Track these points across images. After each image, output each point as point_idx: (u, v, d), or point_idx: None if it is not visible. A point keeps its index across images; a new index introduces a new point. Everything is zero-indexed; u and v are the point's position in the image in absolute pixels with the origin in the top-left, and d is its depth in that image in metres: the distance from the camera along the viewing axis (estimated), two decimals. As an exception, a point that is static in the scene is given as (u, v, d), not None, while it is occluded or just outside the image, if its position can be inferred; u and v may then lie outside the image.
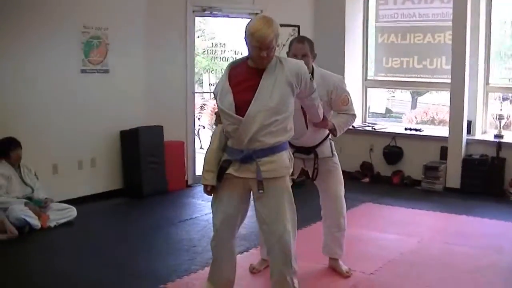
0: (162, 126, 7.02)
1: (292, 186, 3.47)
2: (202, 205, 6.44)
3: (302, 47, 4.05)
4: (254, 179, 3.35)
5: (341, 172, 4.42)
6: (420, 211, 6.25)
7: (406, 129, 7.73)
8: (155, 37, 7.04)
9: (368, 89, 8.28)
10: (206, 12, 7.34)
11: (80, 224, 5.74)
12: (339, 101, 4.18)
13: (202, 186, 3.51)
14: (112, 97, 6.74)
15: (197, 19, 7.73)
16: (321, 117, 3.87)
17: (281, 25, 7.26)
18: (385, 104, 8.44)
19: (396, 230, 5.53)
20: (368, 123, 8.20)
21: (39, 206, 5.63)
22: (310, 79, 3.50)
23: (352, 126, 7.89)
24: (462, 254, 4.81)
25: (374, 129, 7.86)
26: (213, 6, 7.37)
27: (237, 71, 3.46)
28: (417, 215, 6.12)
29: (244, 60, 3.47)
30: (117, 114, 6.80)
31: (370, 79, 8.22)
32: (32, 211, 5.51)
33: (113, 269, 4.52)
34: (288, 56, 4.01)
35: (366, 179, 7.74)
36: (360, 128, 7.91)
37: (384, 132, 7.76)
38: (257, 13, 7.68)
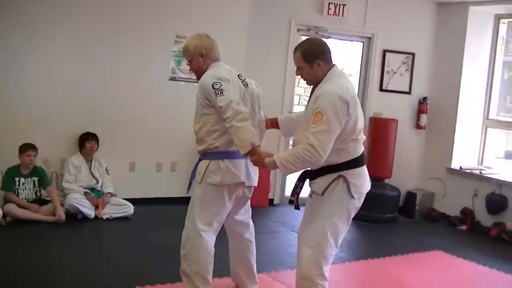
0: (247, 141, 7.04)
1: None
2: (261, 223, 6.34)
3: (294, 58, 3.43)
4: None
5: (325, 228, 3.32)
6: (490, 270, 5.38)
7: (518, 177, 6.82)
8: (256, 53, 7.08)
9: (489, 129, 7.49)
10: (310, 31, 7.20)
11: (134, 222, 6.02)
12: (312, 117, 3.19)
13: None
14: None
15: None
16: (243, 148, 3.42)
17: (394, 52, 7.22)
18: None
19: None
20: (485, 166, 7.41)
21: (98, 197, 6.05)
22: (216, 93, 3.50)
23: (459, 167, 7.25)
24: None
25: (481, 173, 7.07)
26: (319, 26, 7.21)
27: None
28: (485, 275, 5.28)
29: None
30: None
31: (491, 119, 7.43)
32: (90, 201, 5.93)
33: (116, 272, 4.60)
34: None
35: (464, 227, 6.98)
36: (468, 170, 7.17)
37: (490, 177, 6.92)
38: (368, 37, 7.42)
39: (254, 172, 3.85)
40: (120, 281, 4.29)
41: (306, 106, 3.51)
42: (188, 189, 3.91)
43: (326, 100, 3.17)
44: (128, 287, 4.15)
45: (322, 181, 3.37)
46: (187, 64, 3.94)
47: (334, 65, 3.44)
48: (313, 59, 3.36)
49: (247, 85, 3.76)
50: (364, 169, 3.47)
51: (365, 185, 3.45)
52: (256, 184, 3.91)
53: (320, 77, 3.39)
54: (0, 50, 5.84)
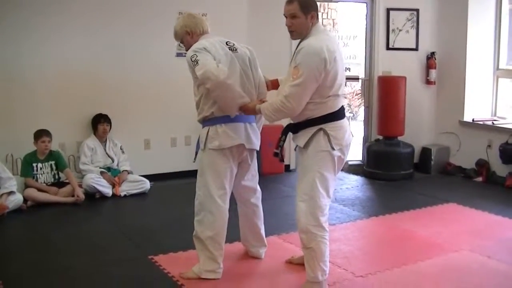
0: (259, 110, 7.12)
1: None
2: (275, 189, 6.49)
3: (289, 8, 3.52)
4: None
5: (315, 180, 3.49)
6: (503, 219, 5.36)
7: (532, 125, 6.77)
8: (258, 24, 7.15)
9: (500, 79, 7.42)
10: (312, -4, 7.20)
11: (150, 197, 6.22)
12: (292, 70, 3.42)
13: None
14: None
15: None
16: (231, 112, 3.75)
17: (398, 10, 7.18)
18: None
19: (463, 239, 4.80)
20: (498, 116, 7.37)
21: (114, 176, 6.24)
22: (194, 64, 3.63)
23: (472, 119, 7.23)
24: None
25: (493, 123, 7.04)
26: (321, -10, 7.23)
27: None
28: (498, 224, 5.27)
29: None
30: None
31: (502, 69, 7.36)
32: (107, 180, 6.12)
33: (131, 244, 4.78)
34: None
35: (479, 178, 6.99)
36: (480, 122, 7.15)
37: (502, 127, 6.87)
38: (372, -3, 7.39)
39: (255, 135, 3.98)
40: (134, 253, 4.48)
41: (291, 61, 3.62)
42: (195, 159, 4.05)
43: (305, 56, 3.38)
44: (142, 257, 4.33)
45: (303, 135, 3.56)
46: (179, 46, 4.18)
47: (317, 22, 3.60)
48: (309, 10, 3.52)
49: (235, 50, 3.86)
50: (344, 122, 3.62)
51: (345, 137, 3.59)
52: (257, 148, 4.04)
53: (307, 32, 3.55)
54: (12, 40, 6.03)
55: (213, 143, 3.80)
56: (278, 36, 7.14)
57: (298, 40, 3.62)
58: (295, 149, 3.79)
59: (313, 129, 3.51)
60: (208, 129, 3.83)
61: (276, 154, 3.72)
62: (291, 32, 3.59)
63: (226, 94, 3.65)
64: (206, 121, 3.86)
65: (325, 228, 3.55)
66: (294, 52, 3.56)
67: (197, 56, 3.63)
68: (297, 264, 4.12)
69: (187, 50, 3.94)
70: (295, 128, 3.65)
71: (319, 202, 3.51)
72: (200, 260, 3.92)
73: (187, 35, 3.93)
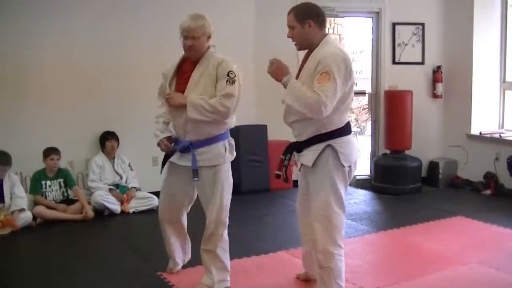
0: (266, 125, 7.16)
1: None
2: (283, 204, 6.50)
3: (287, 19, 3.49)
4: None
5: (329, 199, 3.41)
6: None
7: (540, 137, 6.76)
8: (264, 38, 7.18)
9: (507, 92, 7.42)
10: (318, 12, 7.25)
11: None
12: (318, 77, 3.26)
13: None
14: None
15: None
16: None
17: (403, 24, 7.21)
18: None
19: (472, 252, 4.78)
20: (505, 129, 7.36)
21: (123, 193, 6.27)
22: (227, 81, 3.59)
23: (479, 133, 7.22)
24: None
25: (501, 136, 7.03)
26: (326, 6, 7.23)
27: (185, 61, 3.85)
28: (507, 237, 5.25)
29: None
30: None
31: (508, 81, 7.36)
32: (115, 197, 6.15)
33: (139, 260, 4.79)
34: None
35: (488, 191, 6.97)
36: (487, 135, 7.14)
37: (510, 140, 6.84)
38: (376, 12, 7.43)
39: None
40: (142, 269, 4.48)
41: (299, 72, 3.56)
42: (197, 176, 3.74)
43: (332, 61, 3.28)
44: (150, 273, 4.34)
45: (310, 153, 3.46)
46: (188, 43, 3.69)
47: (327, 33, 3.56)
48: (305, 18, 3.45)
49: None
50: (351, 137, 3.54)
51: (353, 154, 3.50)
52: None
53: (313, 41, 3.49)
54: (20, 57, 6.10)
55: (232, 155, 3.84)
56: (286, 47, 7.19)
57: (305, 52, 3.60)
58: (299, 170, 3.67)
59: (321, 146, 3.41)
60: (225, 143, 3.79)
61: (278, 176, 3.64)
62: (295, 42, 3.56)
63: (209, 121, 3.66)
64: (223, 134, 3.79)
65: (341, 246, 3.50)
66: (303, 65, 3.52)
67: (235, 76, 3.63)
68: (304, 280, 4.11)
69: (194, 49, 3.69)
70: (299, 146, 3.55)
71: (335, 221, 3.44)
72: (212, 272, 3.89)
73: (207, 38, 3.72)
